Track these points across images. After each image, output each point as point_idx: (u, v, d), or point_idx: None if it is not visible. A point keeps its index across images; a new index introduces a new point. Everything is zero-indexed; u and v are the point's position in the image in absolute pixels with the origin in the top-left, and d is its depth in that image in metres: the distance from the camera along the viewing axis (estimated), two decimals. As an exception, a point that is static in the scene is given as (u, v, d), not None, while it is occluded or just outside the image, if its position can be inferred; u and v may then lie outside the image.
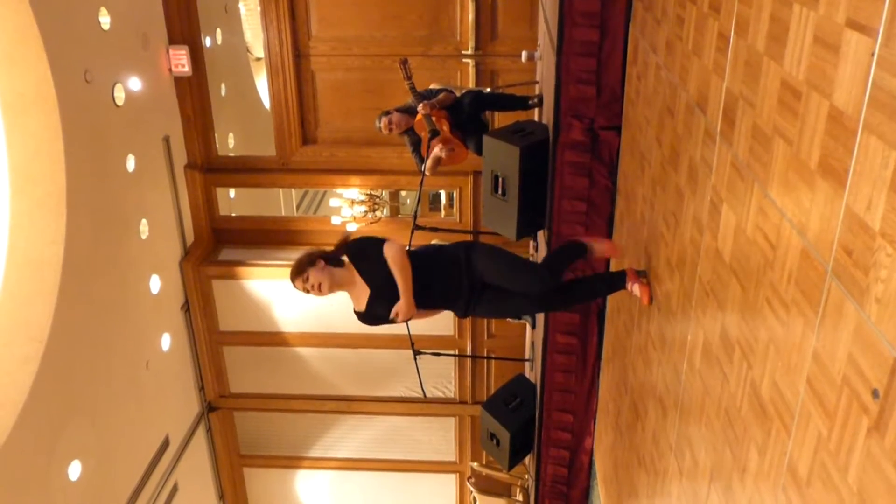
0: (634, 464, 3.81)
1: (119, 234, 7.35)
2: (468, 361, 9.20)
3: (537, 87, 7.07)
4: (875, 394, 1.43)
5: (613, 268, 4.44)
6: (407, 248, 3.71)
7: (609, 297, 4.69)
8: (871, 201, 1.45)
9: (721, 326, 2.39)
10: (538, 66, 7.27)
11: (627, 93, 4.25)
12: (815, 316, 1.69)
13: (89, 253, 6.75)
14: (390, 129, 6.03)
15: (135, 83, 7.46)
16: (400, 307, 3.52)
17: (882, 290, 1.41)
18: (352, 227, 8.48)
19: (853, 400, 1.51)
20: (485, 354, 9.11)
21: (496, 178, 5.23)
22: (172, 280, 8.45)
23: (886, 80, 1.40)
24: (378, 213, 8.91)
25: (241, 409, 9.64)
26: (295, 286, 3.55)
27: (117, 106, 7.20)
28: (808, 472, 1.70)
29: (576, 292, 4.00)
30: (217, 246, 8.99)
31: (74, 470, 6.68)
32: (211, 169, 8.71)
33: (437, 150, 5.71)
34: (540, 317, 5.65)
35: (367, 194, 8.85)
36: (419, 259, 3.60)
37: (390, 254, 3.52)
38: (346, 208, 8.74)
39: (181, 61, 8.01)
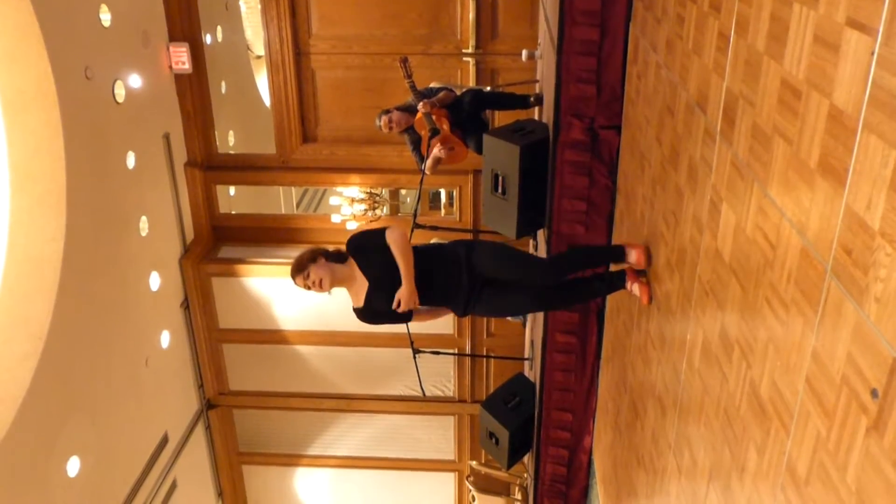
0: (633, 463, 3.81)
1: (119, 232, 7.35)
2: (467, 360, 9.20)
3: (537, 85, 7.06)
4: (874, 393, 1.43)
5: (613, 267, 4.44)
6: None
7: (609, 297, 4.69)
8: (871, 200, 1.45)
9: (720, 326, 2.39)
10: (538, 65, 7.26)
11: (627, 92, 4.24)
12: (815, 315, 1.69)
13: (89, 250, 6.75)
14: (390, 128, 6.03)
15: (135, 80, 7.46)
16: (401, 293, 3.49)
17: (881, 289, 1.41)
18: (352, 226, 8.48)
19: (852, 399, 1.51)
20: (484, 353, 9.11)
21: (496, 176, 5.22)
22: (172, 277, 8.45)
23: (886, 79, 1.40)
24: (378, 212, 8.91)
25: (241, 407, 9.64)
26: (296, 283, 3.56)
27: (118, 103, 7.20)
28: (807, 471, 1.70)
29: (575, 291, 4.01)
30: (217, 243, 8.99)
31: (73, 466, 6.68)
32: (211, 166, 8.71)
33: (436, 151, 5.72)
34: (539, 316, 5.65)
35: (366, 192, 8.84)
36: (419, 255, 3.61)
37: (393, 237, 3.52)
38: (346, 206, 8.74)
39: (181, 58, 8.01)
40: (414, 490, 10.17)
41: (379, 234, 3.57)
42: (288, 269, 3.61)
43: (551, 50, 4.90)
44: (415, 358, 6.72)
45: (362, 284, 3.58)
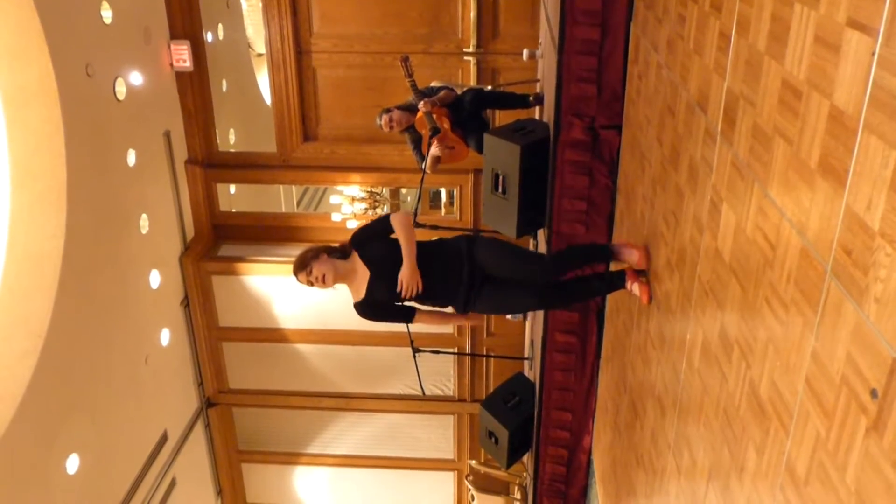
0: (633, 463, 3.81)
1: (119, 229, 7.35)
2: (467, 359, 9.20)
3: (538, 85, 7.06)
4: (874, 394, 1.43)
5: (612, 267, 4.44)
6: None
7: (608, 296, 4.69)
8: (871, 201, 1.45)
9: (720, 326, 2.39)
10: (539, 65, 7.26)
11: (628, 92, 4.24)
12: (815, 315, 1.69)
13: (89, 248, 6.75)
14: (391, 127, 6.03)
15: (136, 78, 7.46)
16: (403, 272, 3.50)
17: (881, 289, 1.41)
18: (352, 225, 8.48)
19: (852, 400, 1.51)
20: (484, 353, 9.11)
21: (496, 176, 5.23)
22: (172, 275, 8.45)
23: (887, 79, 1.40)
24: (378, 211, 8.91)
25: (240, 405, 9.65)
26: (299, 280, 3.56)
27: (118, 100, 7.20)
28: (807, 471, 1.70)
29: (575, 291, 4.00)
30: (217, 242, 8.99)
31: (73, 464, 6.68)
32: (211, 164, 8.71)
33: (434, 150, 5.72)
34: (539, 315, 5.65)
35: (367, 191, 8.85)
36: (421, 249, 3.61)
37: (397, 218, 3.57)
38: (347, 205, 8.74)
39: (182, 56, 8.01)
40: (413, 489, 10.17)
41: (381, 220, 3.63)
42: (288, 267, 3.62)
43: (552, 49, 4.90)
44: (414, 357, 6.72)
45: (364, 278, 3.58)
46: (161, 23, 7.91)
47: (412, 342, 6.52)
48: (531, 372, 6.71)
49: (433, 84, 6.51)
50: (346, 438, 9.93)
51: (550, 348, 5.17)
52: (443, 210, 12.12)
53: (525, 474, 7.19)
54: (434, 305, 3.80)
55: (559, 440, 5.53)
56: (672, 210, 3.08)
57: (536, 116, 6.53)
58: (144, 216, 7.79)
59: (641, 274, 3.61)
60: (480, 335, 9.07)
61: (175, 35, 8.03)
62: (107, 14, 6.95)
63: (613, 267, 4.02)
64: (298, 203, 13.00)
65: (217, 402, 9.48)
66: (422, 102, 5.81)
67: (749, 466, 2.08)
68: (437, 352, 7.28)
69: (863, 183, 1.48)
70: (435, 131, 5.79)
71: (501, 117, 7.63)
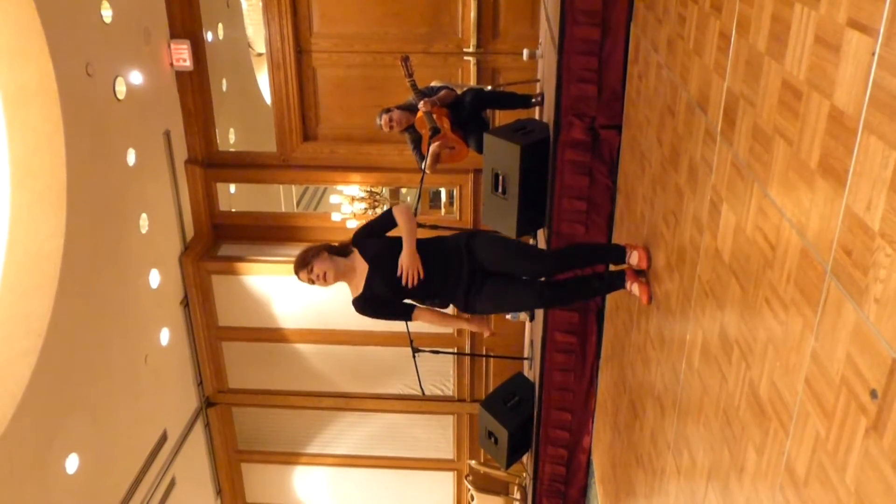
0: (632, 463, 3.81)
1: (119, 229, 7.35)
2: (467, 359, 9.20)
3: (538, 85, 7.06)
4: (873, 394, 1.43)
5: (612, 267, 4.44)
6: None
7: (608, 296, 4.69)
8: (871, 201, 1.45)
9: (720, 326, 2.39)
10: (539, 65, 7.26)
11: (628, 92, 4.24)
12: (814, 316, 1.69)
13: (89, 247, 6.75)
14: (391, 127, 6.02)
15: (136, 77, 7.46)
16: (403, 257, 3.51)
17: (881, 290, 1.41)
18: (352, 224, 8.48)
19: (851, 400, 1.51)
20: (483, 353, 9.11)
21: (496, 176, 5.22)
22: (172, 275, 8.45)
23: (887, 79, 1.40)
24: (378, 210, 8.91)
25: (240, 405, 9.65)
26: (299, 278, 3.56)
27: (118, 100, 7.20)
28: (806, 471, 1.70)
29: (575, 290, 4.00)
30: (217, 241, 8.99)
31: (72, 463, 6.68)
32: (211, 164, 8.71)
33: (433, 148, 5.72)
34: (539, 315, 5.65)
35: (367, 191, 8.84)
36: (421, 246, 3.61)
37: (398, 209, 3.61)
38: (347, 205, 8.74)
39: (182, 56, 8.01)
40: (412, 489, 10.17)
41: (383, 214, 3.67)
42: (288, 267, 3.63)
43: (552, 49, 4.90)
44: (414, 357, 6.72)
45: (363, 275, 3.59)
46: (161, 22, 7.91)
47: (412, 342, 6.52)
48: (531, 372, 6.71)
49: (433, 84, 6.50)
50: (345, 438, 9.94)
51: (550, 348, 5.17)
52: (443, 210, 12.12)
53: (524, 474, 7.19)
54: (434, 305, 3.77)
55: (559, 440, 5.53)
56: (672, 210, 3.08)
57: (536, 116, 6.53)
58: (144, 216, 7.79)
59: (641, 274, 3.61)
60: (480, 335, 9.06)
61: (175, 34, 8.03)
62: (107, 13, 6.95)
63: (613, 267, 4.02)
64: (298, 203, 13.00)
65: (217, 402, 9.48)
66: (422, 102, 5.81)
67: (749, 467, 2.08)
68: (437, 352, 7.28)
69: (863, 183, 1.48)
70: (435, 131, 5.79)
71: (501, 117, 7.63)
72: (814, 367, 1.68)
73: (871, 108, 1.46)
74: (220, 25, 9.65)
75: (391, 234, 3.67)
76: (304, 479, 10.28)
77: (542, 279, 4.01)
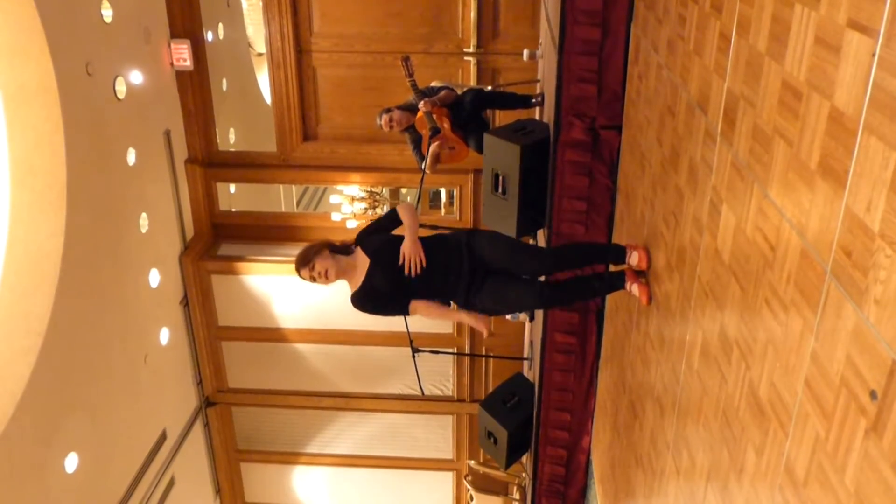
0: (632, 463, 3.81)
1: (119, 228, 7.35)
2: (466, 360, 9.20)
3: (538, 85, 7.06)
4: (873, 395, 1.43)
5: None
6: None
7: (608, 297, 4.69)
8: (871, 202, 1.45)
9: (720, 327, 2.39)
10: (539, 65, 7.26)
11: (628, 92, 4.24)
12: (814, 317, 1.69)
13: (89, 246, 6.75)
14: (391, 127, 6.03)
15: (136, 76, 7.46)
16: (405, 245, 3.54)
17: (881, 291, 1.41)
18: (352, 224, 8.48)
19: (851, 401, 1.51)
20: (483, 353, 9.11)
21: (496, 176, 5.22)
22: (172, 274, 8.45)
23: (887, 80, 1.40)
24: (378, 210, 8.91)
25: (239, 405, 9.65)
26: (301, 276, 3.57)
27: (118, 99, 7.20)
28: (806, 472, 1.70)
29: (575, 291, 4.00)
30: (217, 241, 8.99)
31: (71, 462, 6.68)
32: (211, 164, 8.71)
33: (433, 148, 5.72)
34: (539, 315, 5.65)
35: (367, 191, 8.84)
36: (422, 242, 3.62)
37: (402, 206, 3.66)
38: (347, 205, 8.74)
39: (183, 55, 8.01)
40: (412, 489, 10.17)
41: (387, 213, 3.71)
42: (288, 267, 3.64)
43: (552, 49, 4.90)
44: (414, 357, 6.71)
45: (364, 270, 3.59)
46: (161, 22, 7.91)
47: (411, 342, 6.52)
48: (530, 372, 6.71)
49: (433, 84, 6.51)
50: (345, 438, 9.94)
51: (550, 349, 5.17)
52: (443, 210, 12.12)
53: (524, 475, 7.19)
54: (434, 301, 3.77)
55: (558, 440, 5.53)
56: (672, 211, 3.08)
57: (536, 117, 6.53)
58: (144, 215, 7.79)
59: (641, 275, 3.61)
60: (480, 335, 9.06)
61: (175, 34, 8.03)
62: (107, 13, 6.95)
63: (613, 267, 4.02)
64: (298, 203, 13.00)
65: (216, 402, 9.48)
66: (422, 102, 5.81)
67: (748, 467, 2.08)
68: (437, 352, 7.28)
69: (863, 184, 1.48)
70: (435, 131, 5.79)
71: (501, 117, 7.63)
72: (813, 367, 1.68)
73: (871, 108, 1.46)
74: (221, 25, 9.65)
75: (395, 232, 3.69)
76: (303, 479, 10.28)
77: (542, 279, 4.01)
